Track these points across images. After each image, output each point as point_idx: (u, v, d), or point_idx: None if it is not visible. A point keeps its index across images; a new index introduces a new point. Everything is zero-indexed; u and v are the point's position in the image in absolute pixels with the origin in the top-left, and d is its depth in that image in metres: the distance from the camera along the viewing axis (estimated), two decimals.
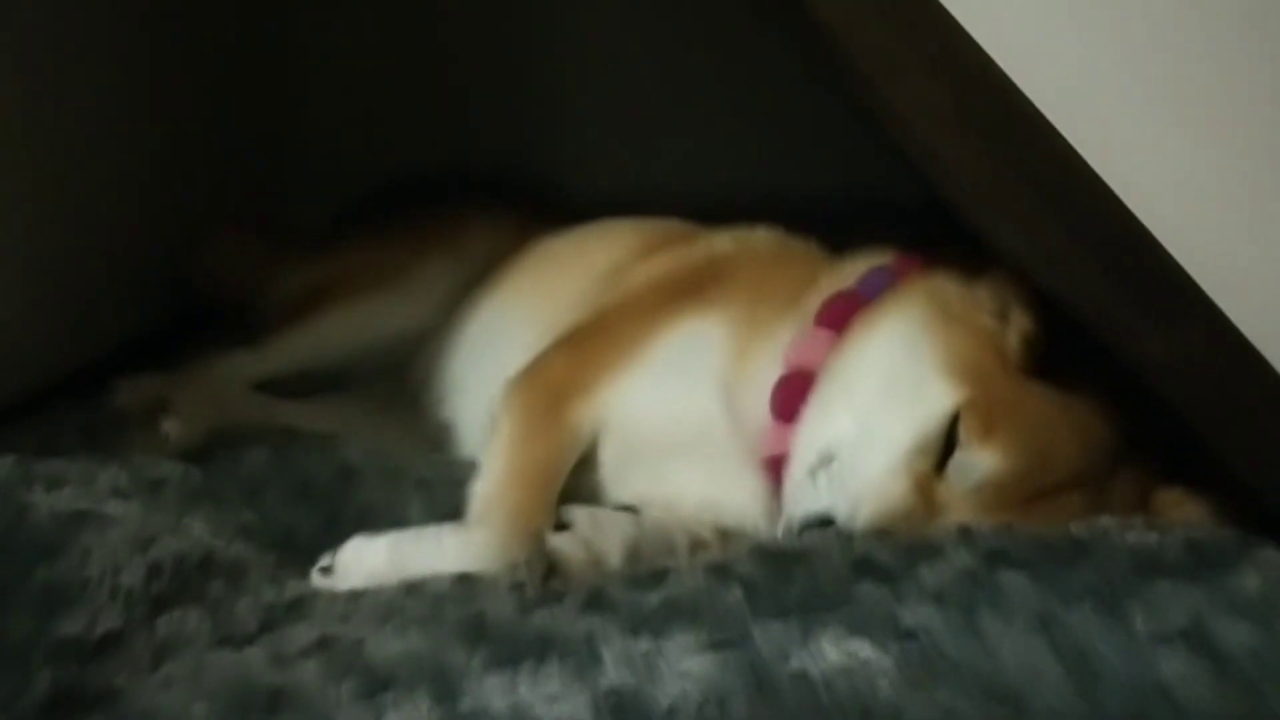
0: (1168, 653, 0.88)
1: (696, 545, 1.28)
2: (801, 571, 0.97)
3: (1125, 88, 0.97)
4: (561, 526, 1.16)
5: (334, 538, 1.33)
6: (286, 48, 2.16)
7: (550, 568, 1.10)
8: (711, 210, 1.78)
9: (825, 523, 1.13)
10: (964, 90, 0.98)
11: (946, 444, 1.17)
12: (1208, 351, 0.98)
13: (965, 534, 1.04)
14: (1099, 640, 0.89)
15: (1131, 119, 0.97)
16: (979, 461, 1.16)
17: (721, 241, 1.55)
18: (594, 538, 1.17)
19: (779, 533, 1.19)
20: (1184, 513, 1.20)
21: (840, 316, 1.33)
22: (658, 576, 1.00)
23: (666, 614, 0.93)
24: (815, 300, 1.37)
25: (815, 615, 0.91)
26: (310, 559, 1.24)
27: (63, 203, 1.62)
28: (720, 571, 0.99)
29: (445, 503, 1.41)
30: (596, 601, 0.98)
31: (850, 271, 1.40)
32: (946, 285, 1.30)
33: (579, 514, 1.19)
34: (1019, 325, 1.20)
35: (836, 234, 1.53)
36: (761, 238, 1.55)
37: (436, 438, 1.66)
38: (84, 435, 1.41)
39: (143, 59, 1.81)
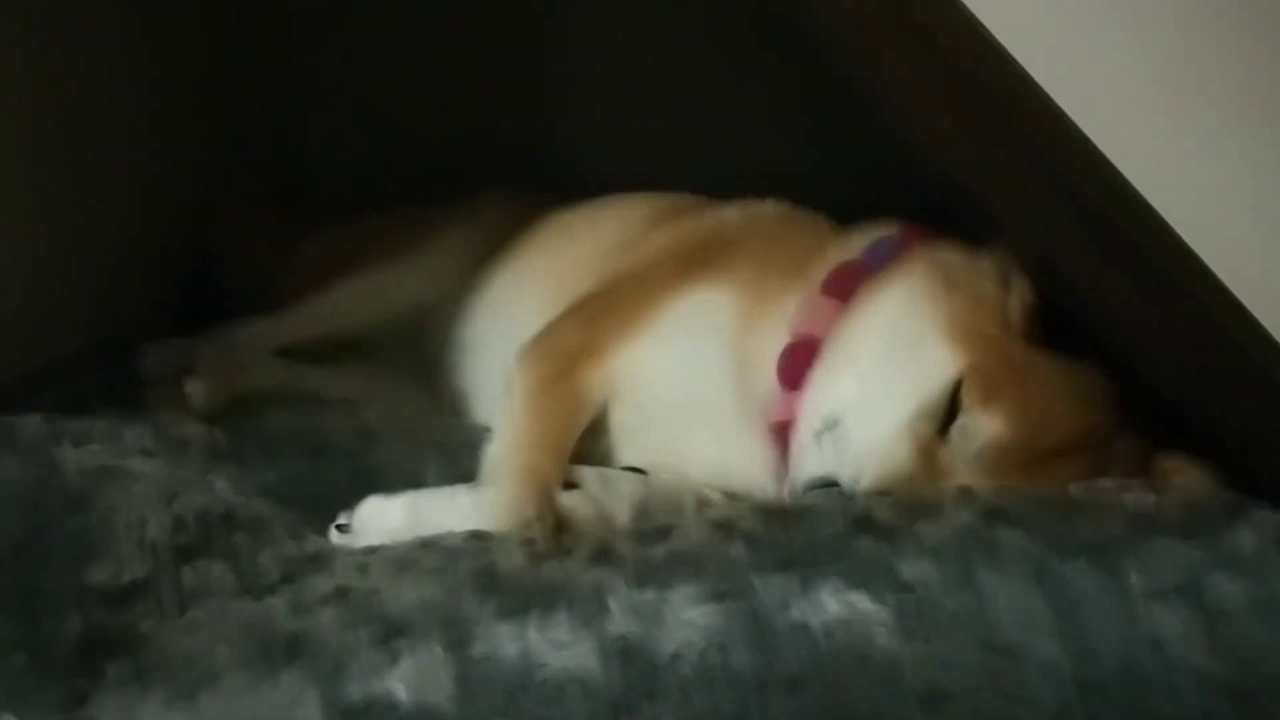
0: (1161, 608, 0.91)
1: (703, 506, 1.31)
2: (803, 527, 1.00)
3: (1122, 59, 0.99)
4: (570, 486, 1.19)
5: (353, 497, 1.37)
6: (300, 30, 2.18)
7: (559, 524, 1.13)
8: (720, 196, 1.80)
9: (829, 485, 1.16)
10: (961, 66, 0.99)
11: (949, 409, 1.20)
12: (1210, 327, 1.00)
13: (965, 493, 1.06)
14: (1093, 594, 0.92)
15: (1130, 90, 0.99)
16: (981, 427, 1.19)
17: (730, 213, 1.57)
18: (602, 496, 1.20)
19: (785, 495, 1.22)
20: (1185, 478, 1.22)
21: (846, 286, 1.35)
22: (663, 531, 1.03)
23: (671, 566, 0.96)
24: (822, 270, 1.39)
25: (815, 568, 0.94)
26: (329, 517, 1.28)
27: (85, 179, 1.64)
28: (724, 526, 1.02)
29: (461, 464, 1.44)
30: (604, 555, 1.00)
31: (856, 242, 1.43)
32: (950, 255, 1.33)
33: (588, 474, 1.22)
34: (1020, 293, 1.23)
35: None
36: (770, 209, 1.57)
37: (453, 403, 1.70)
38: (110, 397, 1.44)
39: (160, 38, 1.83)
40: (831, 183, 2.05)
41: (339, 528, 1.24)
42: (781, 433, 1.30)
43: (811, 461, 1.22)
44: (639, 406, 1.40)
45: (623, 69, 2.20)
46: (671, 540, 1.01)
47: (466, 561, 1.06)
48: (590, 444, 1.40)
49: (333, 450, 1.47)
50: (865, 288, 1.34)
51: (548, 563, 1.01)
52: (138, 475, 1.18)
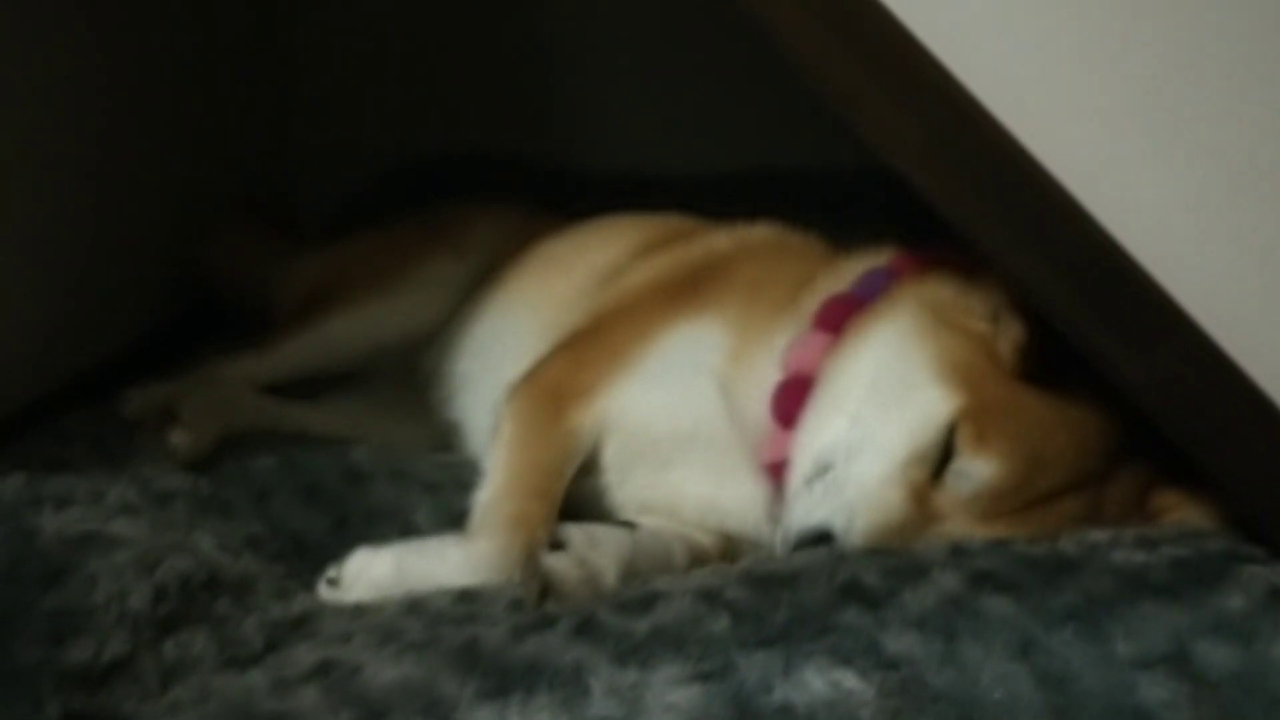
0: (1148, 677, 0.90)
1: (695, 555, 1.30)
2: (788, 596, 0.99)
3: (1100, 111, 0.98)
4: (557, 545, 1.18)
5: (343, 541, 1.37)
6: (290, 37, 2.17)
7: (545, 589, 1.12)
8: (709, 187, 1.78)
9: (822, 537, 1.15)
10: (936, 122, 0.98)
11: (943, 453, 1.18)
12: (1190, 372, 0.98)
13: (955, 553, 1.05)
14: (1079, 665, 0.90)
15: (1106, 141, 0.98)
16: (975, 470, 1.17)
17: (719, 240, 1.55)
18: (589, 556, 1.18)
19: (776, 542, 1.20)
20: (1183, 514, 1.20)
21: (836, 319, 1.33)
22: (647, 601, 1.02)
23: (654, 643, 0.95)
24: (812, 302, 1.37)
25: (799, 644, 0.92)
26: (319, 563, 1.28)
27: (68, 202, 1.64)
28: (709, 596, 1.00)
29: (453, 506, 1.44)
30: (587, 628, 0.99)
31: (847, 271, 1.40)
32: (940, 290, 1.31)
33: (575, 532, 1.20)
34: (1010, 333, 1.21)
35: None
36: (759, 235, 1.55)
37: (444, 437, 1.69)
38: (94, 447, 1.43)
39: (146, 54, 1.82)
40: (828, 175, 2.05)
41: (328, 581, 1.23)
42: (777, 471, 1.28)
43: (804, 508, 1.20)
44: (630, 445, 1.39)
45: (614, 63, 2.19)
46: (655, 612, 0.99)
47: (450, 632, 1.05)
48: (582, 483, 1.38)
49: (321, 493, 1.47)
50: (855, 323, 1.32)
51: (530, 635, 1.00)
52: (119, 541, 1.17)
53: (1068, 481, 1.19)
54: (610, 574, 1.18)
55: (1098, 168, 0.97)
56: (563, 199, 1.93)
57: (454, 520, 1.41)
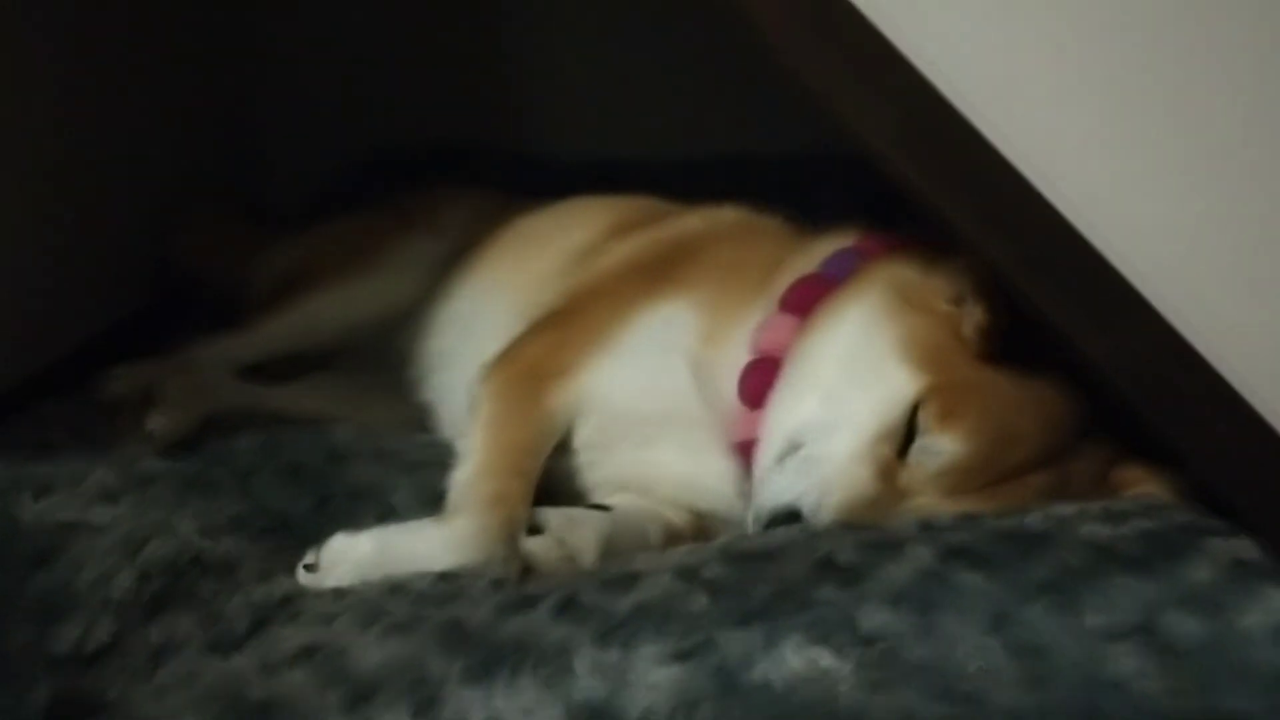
0: (1120, 649, 0.92)
1: (670, 534, 1.32)
2: (766, 573, 1.00)
3: (1062, 99, 1.00)
4: (535, 529, 1.19)
5: (324, 520, 1.38)
6: (260, 26, 2.16)
7: (526, 570, 1.13)
8: (674, 171, 1.79)
9: (793, 515, 1.17)
10: (906, 110, 1.00)
11: (909, 430, 1.20)
12: (1150, 355, 1.01)
13: (926, 528, 1.07)
14: (1053, 637, 0.93)
15: (1068, 129, 1.00)
16: (941, 447, 1.19)
17: (691, 221, 1.57)
18: (568, 538, 1.20)
19: (748, 520, 1.22)
20: (1144, 488, 1.23)
21: (805, 301, 1.35)
22: (629, 579, 1.04)
23: (635, 622, 0.97)
24: (782, 283, 1.39)
25: (778, 621, 0.94)
26: (301, 543, 1.28)
27: (41, 191, 1.63)
28: (688, 575, 1.02)
29: (432, 485, 1.44)
30: (569, 607, 1.01)
31: (815, 253, 1.42)
32: (906, 271, 1.33)
33: (552, 515, 1.22)
34: (973, 316, 1.23)
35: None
36: (730, 216, 1.57)
37: (421, 417, 1.69)
38: (73, 430, 1.44)
39: (116, 43, 1.81)
40: (791, 159, 2.07)
41: (307, 566, 1.24)
42: (745, 450, 1.30)
43: (775, 486, 1.22)
44: (605, 424, 1.41)
45: (583, 51, 2.19)
46: (637, 590, 1.01)
47: (433, 611, 1.06)
48: (557, 462, 1.40)
49: (303, 473, 1.48)
50: (824, 304, 1.34)
51: (513, 615, 1.02)
52: (101, 527, 1.18)
53: (1033, 458, 1.21)
54: (589, 554, 1.20)
55: (1059, 156, 1.00)
56: (529, 186, 1.94)
57: (435, 500, 1.42)
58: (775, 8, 1.06)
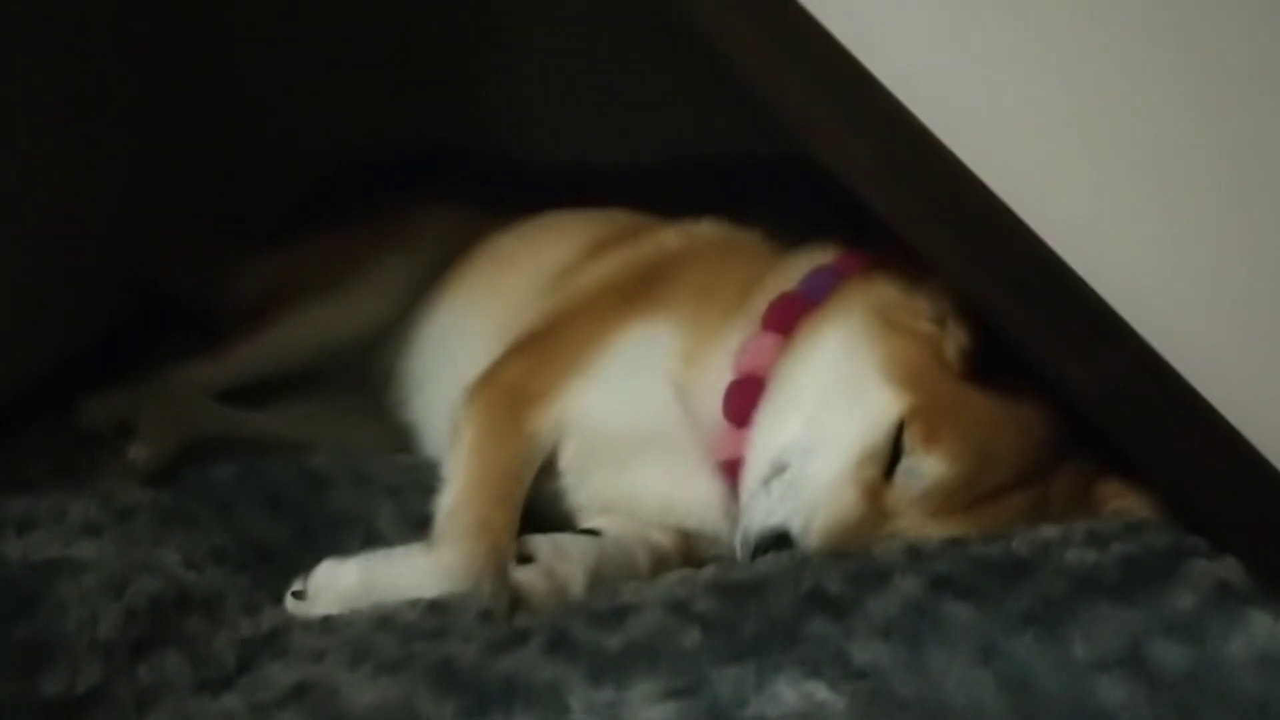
0: (1107, 680, 0.93)
1: (657, 558, 1.32)
2: (755, 607, 1.01)
3: (1038, 124, 1.01)
4: (524, 558, 1.19)
5: (307, 548, 1.38)
6: (232, 34, 2.14)
7: (515, 601, 1.13)
8: (648, 177, 1.78)
9: (781, 538, 1.17)
10: (882, 141, 1.00)
11: (894, 451, 1.21)
12: (1132, 379, 1.02)
13: (913, 555, 1.08)
14: (1040, 669, 0.94)
15: (1044, 155, 1.01)
16: (926, 468, 1.20)
17: (667, 238, 1.57)
18: (557, 566, 1.20)
19: (736, 543, 1.23)
20: (1125, 504, 1.24)
21: (786, 320, 1.36)
22: (619, 613, 1.04)
23: (627, 659, 0.97)
24: (762, 302, 1.39)
25: (770, 656, 0.95)
26: (284, 573, 1.28)
27: (6, 210, 1.61)
28: (678, 608, 1.03)
29: (415, 509, 1.45)
30: (560, 643, 1.01)
31: (794, 270, 1.43)
32: (887, 291, 1.33)
33: (541, 543, 1.22)
34: (956, 338, 1.24)
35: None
36: (706, 232, 1.57)
37: (400, 438, 1.69)
38: (52, 464, 1.42)
39: (83, 57, 1.79)
40: (763, 163, 2.06)
41: (294, 594, 1.24)
42: (731, 470, 1.31)
43: (761, 509, 1.22)
44: (589, 447, 1.41)
45: (556, 55, 2.18)
46: (627, 626, 1.01)
47: (423, 647, 1.06)
48: (542, 485, 1.40)
49: (283, 501, 1.47)
50: (805, 323, 1.34)
51: (504, 652, 1.02)
52: (85, 565, 1.17)
53: (1015, 477, 1.23)
54: (578, 583, 1.20)
55: (1038, 184, 1.01)
56: (504, 192, 1.93)
57: (417, 524, 1.42)
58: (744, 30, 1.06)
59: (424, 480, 1.47)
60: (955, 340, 1.23)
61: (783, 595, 1.03)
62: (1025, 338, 1.07)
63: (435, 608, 1.17)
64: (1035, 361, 1.10)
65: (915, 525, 1.20)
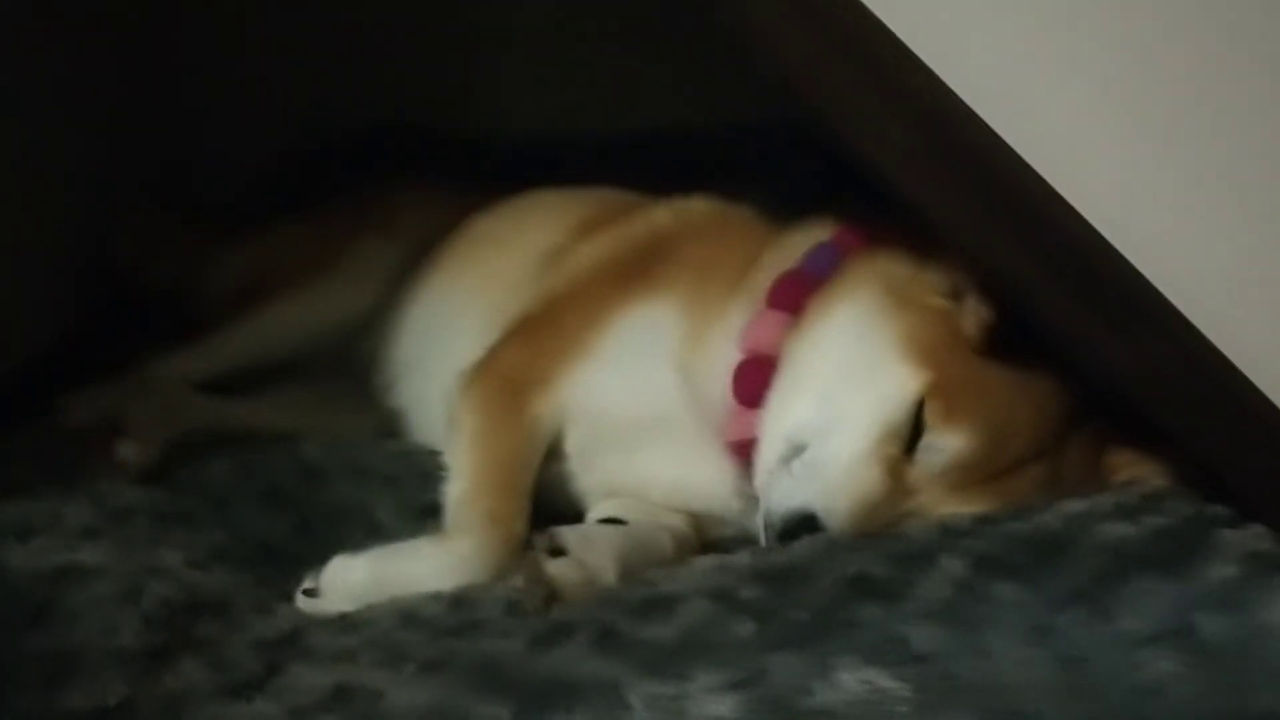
0: (1157, 653, 0.93)
1: (681, 544, 1.31)
2: (803, 594, 1.00)
3: (1081, 103, 1.00)
4: (557, 551, 1.18)
5: (308, 543, 1.36)
6: (190, 15, 2.07)
7: (552, 594, 1.12)
8: (623, 148, 1.76)
9: (807, 520, 1.17)
10: (925, 125, 0.99)
11: (915, 428, 1.21)
12: (1175, 359, 1.02)
13: (947, 533, 1.08)
14: (1093, 647, 0.94)
15: (1086, 132, 1.01)
16: (946, 443, 1.20)
17: (660, 216, 1.54)
18: (587, 557, 1.18)
19: (759, 525, 1.22)
20: (1138, 471, 1.25)
21: (793, 298, 1.34)
22: (662, 604, 1.03)
23: (683, 651, 0.96)
24: (763, 279, 1.38)
25: (826, 644, 0.94)
26: (288, 569, 1.26)
27: None
28: (723, 597, 1.02)
29: (414, 498, 1.44)
30: (608, 637, 1.00)
31: (793, 247, 1.41)
32: (895, 266, 1.32)
33: (570, 535, 1.20)
34: (977, 313, 1.23)
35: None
36: (700, 209, 1.55)
37: (389, 424, 1.66)
38: (39, 463, 1.38)
39: (41, 47, 1.72)
40: (742, 138, 2.06)
41: (306, 592, 1.22)
42: (742, 450, 1.30)
43: (782, 490, 1.21)
44: (593, 431, 1.39)
45: (526, 30, 2.15)
46: (676, 618, 1.00)
47: (460, 646, 1.04)
48: (547, 470, 1.38)
49: (280, 495, 1.44)
50: (814, 301, 1.33)
51: (548, 648, 1.00)
52: (93, 571, 1.13)
53: (1031, 450, 1.23)
54: (609, 573, 1.18)
55: (1078, 161, 1.00)
56: (478, 168, 1.90)
57: (418, 514, 1.40)
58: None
59: (419, 468, 1.47)
60: (977, 315, 1.23)
61: (827, 580, 1.02)
62: (1063, 317, 1.07)
63: (459, 602, 1.15)
64: (1073, 340, 1.09)
65: (934, 501, 1.20)
